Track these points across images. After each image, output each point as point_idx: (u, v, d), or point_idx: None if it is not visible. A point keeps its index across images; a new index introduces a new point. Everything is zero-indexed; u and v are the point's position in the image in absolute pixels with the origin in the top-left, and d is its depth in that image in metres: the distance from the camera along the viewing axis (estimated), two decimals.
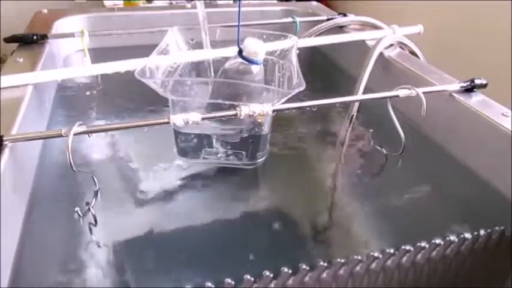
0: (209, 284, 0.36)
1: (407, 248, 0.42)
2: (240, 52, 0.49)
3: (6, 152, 0.42)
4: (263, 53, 0.50)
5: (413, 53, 0.77)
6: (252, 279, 0.37)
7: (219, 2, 1.23)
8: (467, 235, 0.44)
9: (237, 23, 0.51)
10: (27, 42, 0.71)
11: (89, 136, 0.45)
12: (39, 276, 0.39)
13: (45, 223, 0.45)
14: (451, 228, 0.45)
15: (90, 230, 0.44)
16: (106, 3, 1.46)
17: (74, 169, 0.41)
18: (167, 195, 0.50)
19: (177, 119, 0.44)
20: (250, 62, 0.49)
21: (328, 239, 0.47)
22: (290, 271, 0.38)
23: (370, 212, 0.50)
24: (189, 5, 1.01)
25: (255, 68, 0.49)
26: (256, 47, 0.49)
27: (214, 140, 0.53)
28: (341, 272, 0.40)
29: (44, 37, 0.73)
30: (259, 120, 0.49)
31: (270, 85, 0.54)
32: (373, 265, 0.41)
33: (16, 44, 0.71)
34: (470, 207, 0.51)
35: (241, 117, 0.45)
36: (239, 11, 0.51)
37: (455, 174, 0.57)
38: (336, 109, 0.69)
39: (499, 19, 1.26)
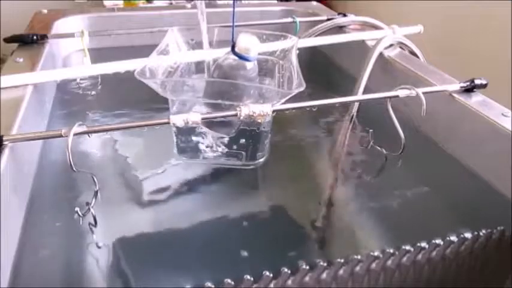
0: (209, 284, 0.36)
1: (407, 248, 0.42)
2: (233, 48, 0.49)
3: (6, 152, 0.42)
4: (256, 50, 0.49)
5: (413, 53, 0.77)
6: (252, 279, 0.37)
7: (218, 2, 1.23)
8: (467, 235, 0.44)
9: (236, 23, 0.51)
10: (27, 42, 0.71)
11: (89, 136, 0.45)
12: (39, 276, 0.39)
13: (45, 223, 0.45)
14: (451, 228, 0.45)
15: (90, 230, 0.44)
16: (106, 3, 1.46)
17: (74, 169, 0.41)
18: (167, 195, 0.50)
19: (177, 119, 0.44)
20: (242, 58, 0.49)
21: (328, 239, 0.47)
22: (290, 271, 0.38)
23: (370, 212, 0.50)
24: (189, 5, 1.01)
25: (248, 64, 0.49)
26: (249, 44, 0.48)
27: (214, 139, 0.53)
28: (341, 272, 0.40)
29: (43, 37, 0.73)
30: (259, 121, 0.49)
31: (269, 85, 0.54)
32: (373, 265, 0.41)
33: (16, 44, 0.71)
34: (470, 207, 0.51)
35: (241, 118, 0.45)
36: (233, 10, 0.51)
37: (455, 174, 0.57)
38: (336, 109, 0.69)
39: (499, 19, 1.26)
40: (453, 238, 0.43)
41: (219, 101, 0.48)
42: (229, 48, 0.51)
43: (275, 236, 0.46)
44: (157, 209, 0.48)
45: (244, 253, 0.42)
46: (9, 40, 0.71)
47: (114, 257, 0.41)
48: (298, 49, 0.56)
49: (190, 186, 0.52)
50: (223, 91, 0.49)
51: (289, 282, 0.39)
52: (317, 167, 0.59)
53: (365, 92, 0.66)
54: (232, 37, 0.50)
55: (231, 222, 0.47)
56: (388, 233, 0.47)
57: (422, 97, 0.51)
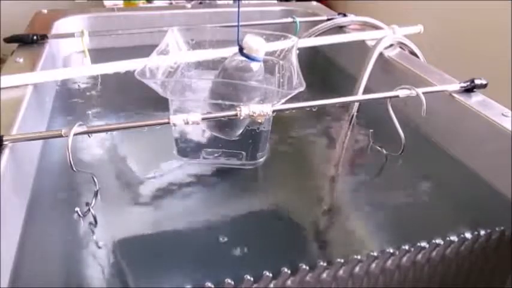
0: (209, 284, 0.36)
1: (407, 248, 0.42)
2: (241, 50, 0.49)
3: (6, 152, 0.42)
4: (264, 50, 0.50)
5: (413, 53, 0.77)
6: (252, 279, 0.37)
7: (218, 2, 1.23)
8: (467, 235, 0.44)
9: (236, 23, 0.51)
10: (27, 42, 0.71)
11: (89, 136, 0.45)
12: (39, 276, 0.39)
13: (45, 223, 0.45)
14: (451, 228, 0.45)
15: (90, 230, 0.44)
16: (106, 3, 1.46)
17: (74, 169, 0.41)
18: (167, 195, 0.50)
19: (177, 120, 0.44)
20: (251, 59, 0.49)
21: (328, 239, 0.47)
22: (290, 271, 0.38)
23: (370, 212, 0.50)
24: (189, 5, 1.01)
25: (255, 66, 0.49)
26: (257, 44, 0.48)
27: (214, 140, 0.53)
28: (341, 272, 0.40)
29: (44, 37, 0.73)
30: (259, 121, 0.49)
31: (270, 85, 0.54)
32: (373, 265, 0.41)
33: (16, 44, 0.72)
34: (470, 207, 0.51)
35: (241, 118, 0.45)
36: (238, 10, 0.51)
37: (455, 174, 0.57)
38: (336, 109, 0.69)
39: (499, 19, 1.26)
40: (453, 238, 0.43)
41: (219, 101, 0.48)
42: (231, 48, 0.51)
43: (275, 236, 0.46)
44: (157, 209, 0.48)
45: (244, 253, 0.42)
46: (9, 40, 0.71)
47: (114, 257, 0.41)
48: (298, 49, 0.56)
49: (190, 186, 0.52)
50: (224, 91, 0.49)
51: (289, 282, 0.39)
52: (317, 167, 0.59)
53: (365, 92, 0.66)
54: (238, 38, 0.50)
55: (231, 222, 0.47)
56: (388, 233, 0.47)
57: (422, 97, 0.51)
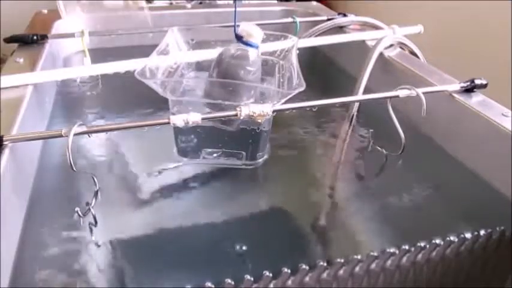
0: (209, 284, 0.36)
1: (407, 248, 0.42)
2: (239, 38, 0.49)
3: (6, 152, 0.42)
4: (259, 37, 0.50)
5: (413, 53, 0.77)
6: (252, 279, 0.37)
7: (218, 2, 1.23)
8: (467, 235, 0.44)
9: (237, 24, 0.51)
10: (27, 42, 0.71)
11: (89, 136, 0.45)
12: (39, 276, 0.39)
13: (45, 223, 0.45)
14: (451, 228, 0.45)
15: (90, 230, 0.44)
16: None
17: (74, 169, 0.41)
18: (167, 195, 0.50)
19: (177, 119, 0.44)
20: (249, 45, 0.49)
21: (328, 239, 0.47)
22: (290, 271, 0.38)
23: (370, 212, 0.50)
24: (189, 5, 1.01)
25: (252, 54, 0.49)
26: (254, 30, 0.49)
27: (214, 139, 0.53)
28: (341, 272, 0.40)
29: (44, 37, 0.73)
30: (259, 121, 0.49)
31: (270, 86, 0.54)
32: (373, 265, 0.41)
33: (16, 44, 0.72)
34: (470, 207, 0.51)
35: (242, 118, 0.45)
36: (235, 10, 0.51)
37: (455, 174, 0.57)
38: (336, 109, 0.69)
39: (499, 19, 1.26)
40: (453, 238, 0.43)
41: (219, 101, 0.48)
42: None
43: (275, 236, 0.46)
44: (157, 209, 0.48)
45: (245, 253, 0.42)
46: (9, 40, 0.71)
47: (114, 257, 0.41)
48: (298, 49, 0.56)
49: (190, 186, 0.52)
50: (223, 90, 0.49)
51: (289, 282, 0.39)
52: (317, 167, 0.59)
53: (365, 92, 0.66)
54: (235, 27, 0.50)
55: (231, 222, 0.47)
56: (388, 233, 0.47)
57: (423, 97, 0.51)
